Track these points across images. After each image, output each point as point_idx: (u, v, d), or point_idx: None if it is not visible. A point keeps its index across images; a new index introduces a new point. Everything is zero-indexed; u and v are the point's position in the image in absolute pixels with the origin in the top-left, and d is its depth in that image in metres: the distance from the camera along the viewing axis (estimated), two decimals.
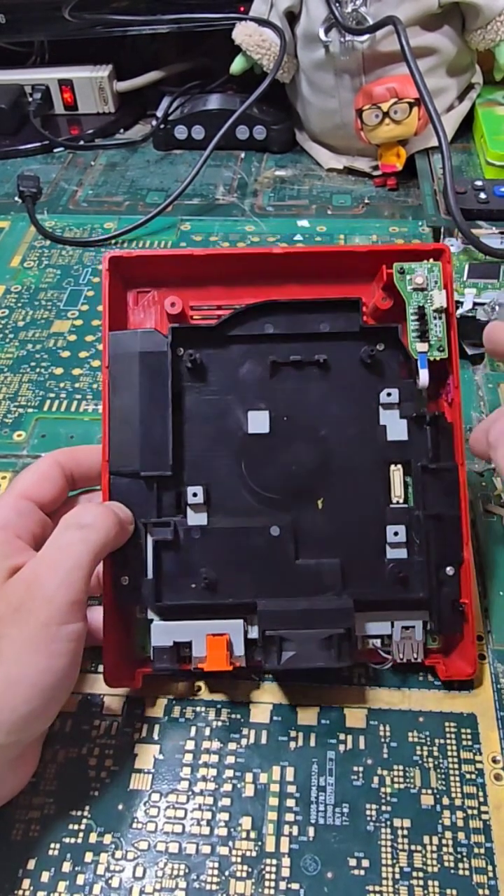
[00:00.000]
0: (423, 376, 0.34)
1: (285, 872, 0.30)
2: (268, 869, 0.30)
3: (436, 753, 0.33)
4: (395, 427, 0.35)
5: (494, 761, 0.32)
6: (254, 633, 0.34)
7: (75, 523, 0.31)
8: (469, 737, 0.33)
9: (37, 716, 0.28)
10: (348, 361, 0.35)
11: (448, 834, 0.31)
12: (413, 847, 0.30)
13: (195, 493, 0.34)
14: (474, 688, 0.35)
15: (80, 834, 0.31)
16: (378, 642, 0.35)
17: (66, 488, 0.35)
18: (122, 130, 0.76)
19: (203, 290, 0.37)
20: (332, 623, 0.33)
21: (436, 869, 0.30)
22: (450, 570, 0.34)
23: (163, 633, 0.34)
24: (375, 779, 0.32)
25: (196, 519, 0.35)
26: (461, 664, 0.34)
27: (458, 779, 0.32)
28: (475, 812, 0.31)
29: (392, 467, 0.35)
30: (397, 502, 0.35)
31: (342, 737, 0.33)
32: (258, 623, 0.33)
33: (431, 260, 0.35)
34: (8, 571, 0.30)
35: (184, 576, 0.34)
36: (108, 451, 0.34)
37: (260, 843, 0.31)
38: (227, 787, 0.32)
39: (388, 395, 0.35)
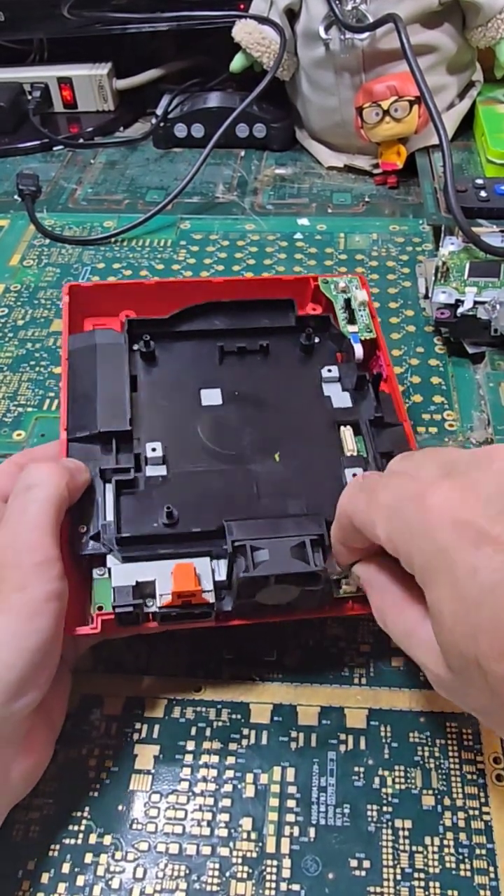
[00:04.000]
0: (358, 350, 0.39)
1: (286, 873, 0.30)
2: (268, 870, 0.30)
3: (437, 754, 0.33)
4: (339, 397, 0.39)
5: (496, 762, 0.32)
6: (221, 573, 0.32)
7: (23, 486, 0.31)
8: (470, 737, 0.33)
9: (24, 682, 0.28)
10: (289, 349, 0.41)
11: (449, 835, 0.31)
12: (414, 848, 0.30)
13: (154, 448, 0.36)
14: None
15: (80, 835, 0.31)
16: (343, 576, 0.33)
17: None
18: (121, 128, 0.76)
19: (149, 308, 0.41)
20: (303, 529, 0.32)
21: (437, 870, 0.30)
22: None
23: (123, 573, 0.32)
24: (376, 779, 0.32)
25: (155, 472, 0.35)
26: None
27: (459, 779, 0.32)
28: (477, 813, 0.31)
29: (342, 428, 0.38)
30: (350, 455, 0.37)
31: (343, 737, 0.33)
32: (226, 535, 0.32)
33: (349, 275, 0.43)
34: None
35: (146, 514, 0.33)
36: (68, 422, 0.36)
37: (260, 844, 0.31)
38: (228, 787, 0.32)
39: (329, 371, 0.40)
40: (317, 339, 0.41)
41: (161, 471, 0.35)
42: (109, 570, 0.32)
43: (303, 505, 0.34)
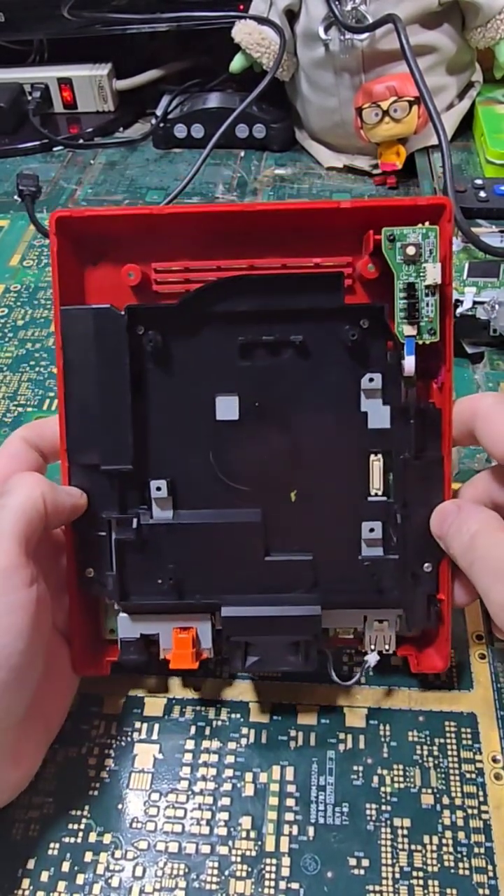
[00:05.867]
0: (409, 364, 0.31)
1: (285, 872, 0.30)
2: (267, 868, 0.30)
3: (436, 753, 0.33)
4: (378, 414, 0.32)
5: (494, 760, 0.32)
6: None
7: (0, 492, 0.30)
8: (469, 736, 0.33)
9: (2, 690, 0.27)
10: (328, 343, 0.32)
11: (448, 833, 0.31)
12: (413, 846, 0.30)
13: (159, 488, 0.32)
14: (475, 687, 0.35)
15: (80, 833, 0.31)
16: (350, 634, 0.34)
17: (39, 462, 0.33)
18: (121, 129, 0.76)
19: (169, 253, 0.32)
20: (299, 630, 0.32)
21: (436, 868, 0.30)
22: (427, 567, 0.33)
23: (129, 625, 0.33)
24: (375, 778, 0.32)
25: (161, 514, 0.33)
26: (434, 658, 0.34)
27: (458, 778, 0.32)
28: (475, 811, 0.31)
29: (372, 457, 0.32)
30: (375, 494, 0.33)
31: (342, 736, 0.33)
32: (222, 629, 0.33)
33: (427, 224, 0.30)
34: None
35: (149, 572, 0.33)
36: (67, 439, 0.32)
37: (260, 843, 0.31)
38: (227, 786, 0.32)
39: (371, 380, 0.32)
40: (364, 325, 0.31)
41: (167, 514, 0.33)
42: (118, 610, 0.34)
43: (311, 571, 0.33)
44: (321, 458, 0.33)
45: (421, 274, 0.31)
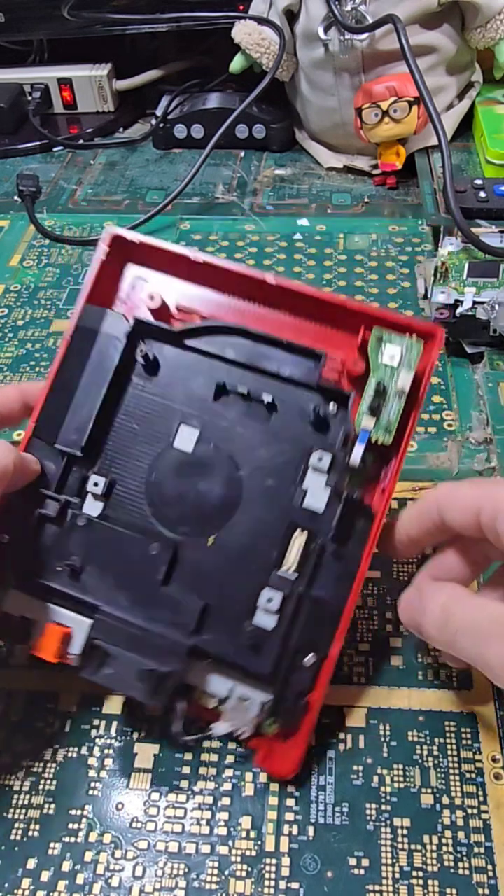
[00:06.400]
0: (356, 453, 0.31)
1: (285, 871, 0.30)
2: (267, 868, 0.30)
3: (436, 753, 0.33)
4: (316, 495, 0.33)
5: (494, 760, 0.32)
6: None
7: None
8: (469, 736, 0.33)
9: None
10: (293, 412, 0.34)
11: (448, 833, 0.31)
12: (413, 846, 0.30)
13: (96, 483, 0.34)
14: (474, 687, 0.35)
15: (80, 833, 0.31)
16: (212, 705, 0.33)
17: (21, 413, 0.35)
18: (121, 129, 0.76)
19: (195, 289, 0.36)
20: (160, 658, 0.31)
21: (436, 868, 0.30)
22: (308, 660, 0.31)
23: (15, 602, 0.33)
24: (375, 778, 0.32)
25: (88, 508, 0.34)
26: (282, 762, 0.32)
27: (457, 778, 0.32)
28: (475, 811, 0.31)
29: (297, 532, 0.33)
30: (286, 570, 0.32)
31: (342, 736, 0.33)
32: (91, 628, 0.32)
33: (415, 337, 0.32)
34: None
35: (53, 555, 0.34)
36: (40, 412, 0.34)
37: (259, 843, 0.31)
38: (227, 786, 0.32)
39: (320, 459, 0.33)
40: (332, 409, 0.33)
41: (94, 511, 0.34)
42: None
43: (199, 615, 0.32)
44: (249, 516, 0.33)
45: (394, 377, 0.32)
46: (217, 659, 0.32)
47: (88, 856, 0.31)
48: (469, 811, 0.31)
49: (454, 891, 0.29)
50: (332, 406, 0.33)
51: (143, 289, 0.36)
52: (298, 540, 0.32)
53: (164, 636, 0.32)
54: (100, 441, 0.34)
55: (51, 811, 0.32)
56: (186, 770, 0.33)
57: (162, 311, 0.35)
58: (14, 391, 0.35)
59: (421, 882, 0.30)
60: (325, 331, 0.35)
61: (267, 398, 0.34)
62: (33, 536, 0.34)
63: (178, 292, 0.36)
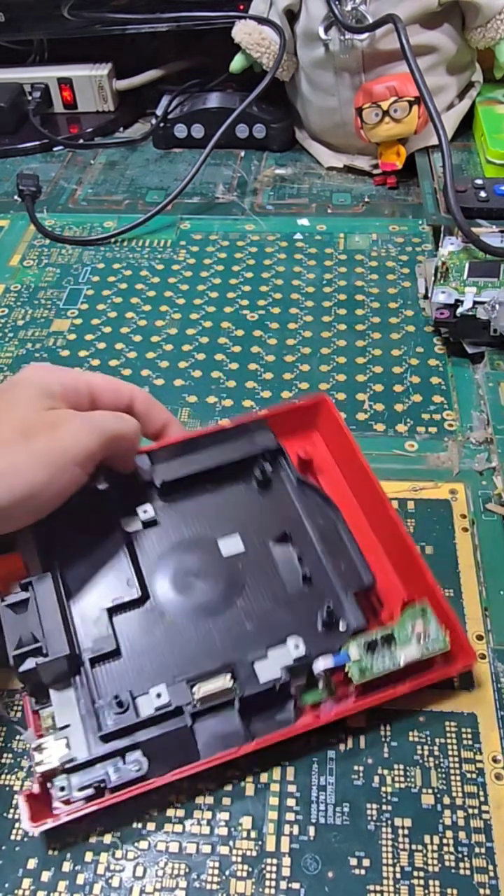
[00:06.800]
0: (323, 664, 0.32)
1: (286, 872, 0.30)
2: (268, 868, 0.30)
3: (436, 753, 0.33)
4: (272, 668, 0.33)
5: (495, 761, 0.32)
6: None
7: (113, 412, 0.36)
8: (469, 736, 0.33)
9: (10, 513, 0.32)
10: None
11: (449, 833, 0.31)
12: (414, 846, 0.30)
13: (146, 511, 0.38)
14: (475, 687, 0.35)
15: (80, 833, 0.31)
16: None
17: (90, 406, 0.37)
18: (121, 129, 0.76)
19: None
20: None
21: (437, 868, 0.30)
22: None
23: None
24: (376, 778, 0.32)
25: (143, 515, 0.37)
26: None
27: (458, 778, 0.32)
28: (476, 811, 0.31)
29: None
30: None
31: (342, 736, 0.33)
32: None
33: (447, 637, 0.33)
34: (47, 407, 0.34)
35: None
36: None
37: (260, 843, 0.31)
38: (228, 786, 0.32)
39: (296, 646, 0.33)
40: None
41: (147, 517, 0.38)
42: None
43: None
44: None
45: (404, 645, 0.33)
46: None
47: (89, 856, 0.31)
48: (470, 811, 0.31)
49: (455, 891, 0.29)
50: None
51: None
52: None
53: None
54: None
55: None
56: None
57: None
58: (124, 399, 0.37)
59: (422, 882, 0.29)
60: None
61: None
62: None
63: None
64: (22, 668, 0.32)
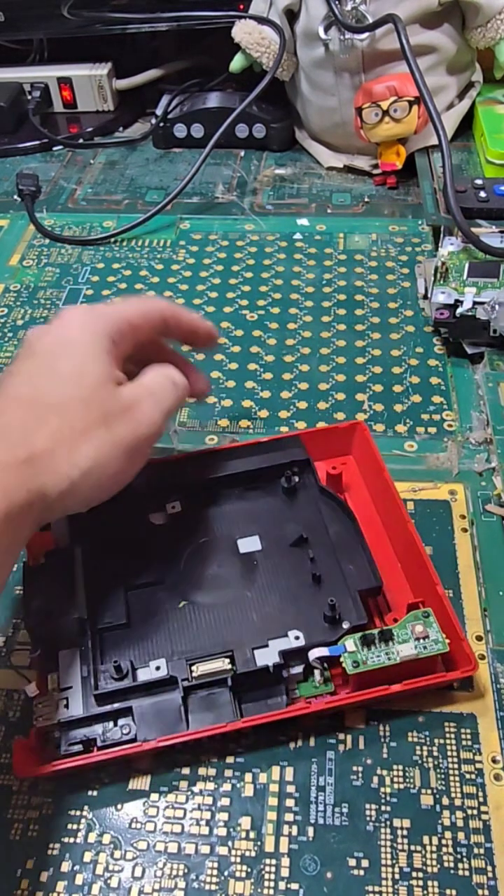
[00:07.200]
0: (318, 653, 0.33)
1: (284, 872, 0.30)
2: (267, 869, 0.30)
3: (435, 753, 0.33)
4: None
5: (494, 761, 0.32)
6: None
7: (172, 378, 0.36)
8: (469, 737, 0.33)
9: (92, 499, 0.33)
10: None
11: (448, 834, 0.31)
12: (413, 847, 0.30)
13: (174, 506, 0.40)
14: (474, 688, 0.35)
15: (79, 834, 0.31)
16: None
17: (158, 340, 0.39)
18: (121, 129, 0.76)
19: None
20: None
21: (435, 869, 0.30)
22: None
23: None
24: (375, 779, 0.32)
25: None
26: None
27: (457, 779, 0.32)
28: (475, 812, 0.31)
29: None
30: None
31: (341, 737, 0.33)
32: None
33: (444, 641, 0.33)
34: (115, 382, 0.34)
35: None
36: None
37: (259, 843, 0.31)
38: (227, 786, 0.32)
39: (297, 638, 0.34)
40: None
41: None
42: None
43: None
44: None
45: (403, 641, 0.33)
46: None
47: (88, 856, 0.31)
48: (469, 812, 0.31)
49: (454, 892, 0.29)
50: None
51: None
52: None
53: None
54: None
55: (50, 811, 0.32)
56: (186, 771, 0.33)
57: None
58: (155, 316, 0.38)
59: (421, 883, 0.29)
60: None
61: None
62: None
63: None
64: (36, 625, 0.34)
